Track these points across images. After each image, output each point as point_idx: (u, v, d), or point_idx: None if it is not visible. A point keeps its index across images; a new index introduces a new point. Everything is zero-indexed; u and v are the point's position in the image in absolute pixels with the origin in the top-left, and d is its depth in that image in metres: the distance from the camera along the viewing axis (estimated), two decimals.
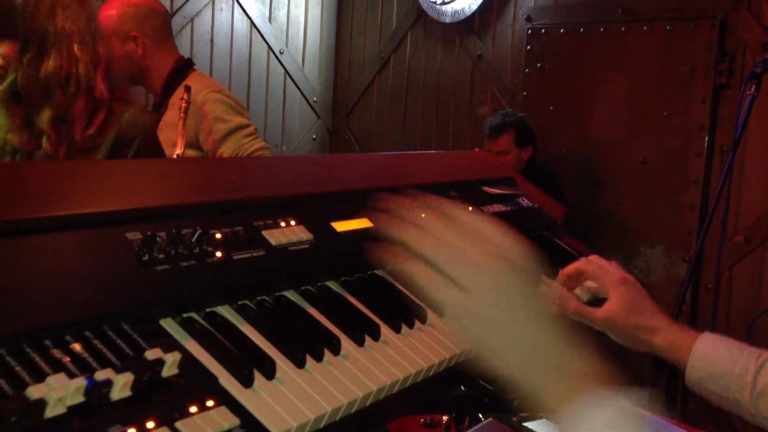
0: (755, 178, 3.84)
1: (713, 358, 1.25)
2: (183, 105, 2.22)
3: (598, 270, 1.36)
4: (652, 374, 2.58)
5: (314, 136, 5.59)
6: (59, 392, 0.69)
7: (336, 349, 0.97)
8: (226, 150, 2.69)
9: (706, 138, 3.96)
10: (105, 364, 0.75)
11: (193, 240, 0.94)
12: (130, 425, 0.71)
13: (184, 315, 0.90)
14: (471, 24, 4.91)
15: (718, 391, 1.26)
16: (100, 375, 0.73)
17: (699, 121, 3.97)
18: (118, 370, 0.74)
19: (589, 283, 1.37)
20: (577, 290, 1.38)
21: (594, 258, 1.40)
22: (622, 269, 1.37)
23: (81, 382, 0.70)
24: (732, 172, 2.84)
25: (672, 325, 1.32)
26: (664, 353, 1.31)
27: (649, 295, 1.35)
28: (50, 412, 0.68)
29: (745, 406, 1.23)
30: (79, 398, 0.68)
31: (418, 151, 4.58)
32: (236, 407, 0.81)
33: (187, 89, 2.22)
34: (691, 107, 3.99)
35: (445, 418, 1.98)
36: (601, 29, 4.29)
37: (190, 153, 2.64)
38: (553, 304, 1.35)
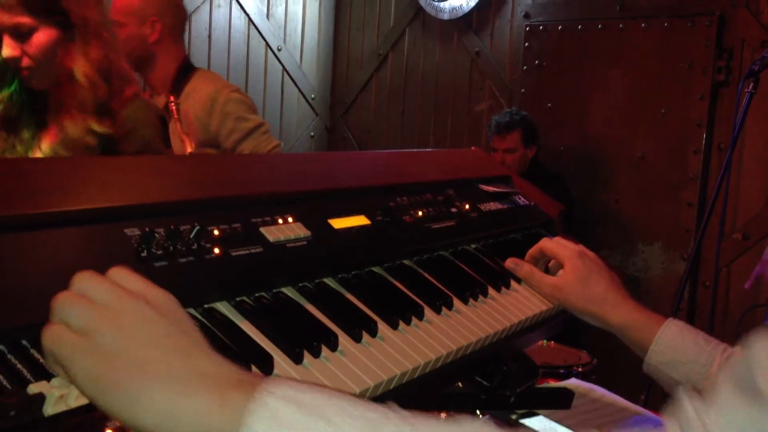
0: (753, 175, 3.85)
1: (679, 345, 1.24)
2: (174, 108, 2.45)
3: (556, 245, 1.37)
4: None
5: (312, 134, 5.59)
6: (61, 390, 0.69)
7: (333, 346, 0.97)
8: (246, 147, 2.81)
9: (704, 135, 3.96)
10: None
11: (192, 236, 0.95)
12: None
13: None
14: (469, 21, 4.91)
15: (677, 378, 1.24)
16: None
17: (697, 118, 3.98)
18: None
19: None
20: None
21: (557, 238, 1.40)
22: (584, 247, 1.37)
23: None
24: (730, 169, 2.85)
25: (627, 302, 1.30)
26: (619, 331, 1.29)
27: (608, 270, 1.33)
28: (51, 410, 0.68)
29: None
30: (84, 400, 0.68)
31: (416, 149, 4.58)
32: None
33: (174, 94, 2.57)
34: (689, 104, 4.00)
35: (443, 415, 1.99)
36: (600, 26, 4.30)
37: (208, 152, 2.75)
38: (514, 272, 1.36)
